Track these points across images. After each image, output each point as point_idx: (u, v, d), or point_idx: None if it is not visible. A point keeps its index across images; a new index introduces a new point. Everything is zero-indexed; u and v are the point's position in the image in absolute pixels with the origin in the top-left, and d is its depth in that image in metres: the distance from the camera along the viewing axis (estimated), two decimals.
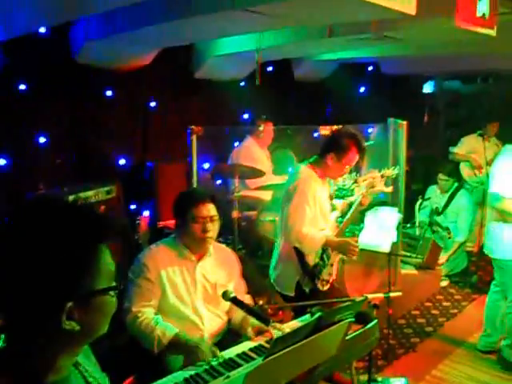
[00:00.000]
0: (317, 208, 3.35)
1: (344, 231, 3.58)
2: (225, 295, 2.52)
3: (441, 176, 5.96)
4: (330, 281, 3.48)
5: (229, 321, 2.94)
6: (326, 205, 3.45)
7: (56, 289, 1.08)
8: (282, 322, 2.95)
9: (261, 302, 4.48)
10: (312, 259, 3.37)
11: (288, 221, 3.32)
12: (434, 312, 5.10)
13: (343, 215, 3.68)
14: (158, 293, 2.69)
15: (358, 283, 4.69)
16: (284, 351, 1.91)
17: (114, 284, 1.19)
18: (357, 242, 3.35)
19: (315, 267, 3.37)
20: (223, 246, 3.02)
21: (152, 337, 2.56)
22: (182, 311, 2.73)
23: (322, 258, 3.40)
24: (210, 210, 2.75)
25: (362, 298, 2.55)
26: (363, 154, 3.48)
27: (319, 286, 3.37)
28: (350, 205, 3.64)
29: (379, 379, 3.63)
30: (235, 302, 2.50)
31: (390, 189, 4.22)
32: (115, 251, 4.05)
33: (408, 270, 5.45)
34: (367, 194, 3.61)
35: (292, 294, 3.42)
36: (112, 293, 1.18)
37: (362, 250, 4.08)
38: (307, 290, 3.34)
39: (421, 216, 6.06)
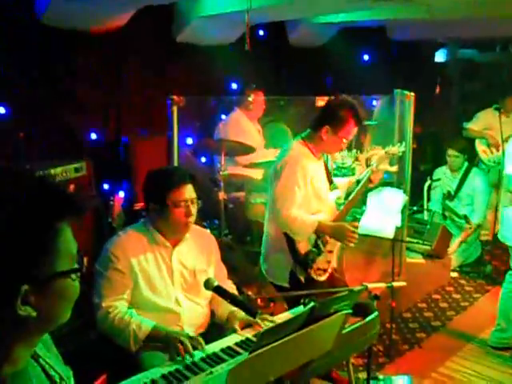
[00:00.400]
0: (308, 188, 3.33)
1: (345, 214, 3.55)
2: (207, 284, 2.52)
3: (450, 152, 5.97)
4: (329, 270, 3.48)
5: (213, 314, 2.95)
6: (321, 185, 3.43)
7: (9, 270, 1.07)
8: (272, 314, 2.96)
9: (250, 293, 4.56)
10: (304, 246, 3.36)
11: (275, 203, 3.31)
12: (442, 305, 5.15)
13: (348, 195, 3.67)
14: (130, 284, 2.69)
15: (359, 273, 4.72)
16: (271, 345, 1.92)
17: (75, 266, 1.18)
18: (356, 227, 3.33)
19: (307, 255, 3.35)
20: (198, 227, 3.00)
21: (127, 332, 2.56)
22: (157, 303, 2.73)
23: (316, 245, 3.38)
24: (191, 191, 2.75)
25: (360, 288, 2.57)
26: (361, 126, 3.47)
27: (314, 275, 3.36)
28: (358, 182, 3.62)
29: (380, 377, 3.67)
30: (219, 291, 2.50)
31: (394, 168, 4.22)
32: (86, 236, 4.05)
33: (414, 259, 5.48)
34: (378, 169, 3.59)
35: (286, 285, 3.42)
36: (74, 276, 1.17)
37: (363, 235, 4.10)
38: (302, 279, 3.34)
39: (430, 199, 6.10)
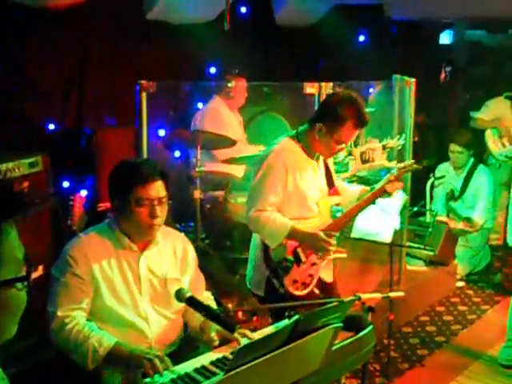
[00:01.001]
0: (289, 189, 3.30)
1: (342, 225, 3.50)
2: (179, 295, 2.50)
3: (453, 147, 6.01)
4: (312, 284, 3.43)
5: (185, 326, 2.93)
6: (309, 187, 3.39)
7: None
8: (256, 329, 2.95)
9: (230, 306, 4.56)
10: (278, 253, 3.33)
11: (247, 200, 3.33)
12: (446, 318, 5.19)
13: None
14: (90, 293, 2.66)
15: (353, 282, 4.72)
16: (249, 364, 1.91)
17: (21, 274, 1.16)
18: (332, 236, 3.30)
19: (280, 263, 3.32)
20: (171, 229, 2.98)
21: (85, 348, 2.53)
22: (121, 315, 2.70)
23: (295, 253, 3.35)
24: (159, 189, 2.70)
25: (352, 298, 2.57)
26: (362, 130, 3.42)
27: (290, 288, 3.32)
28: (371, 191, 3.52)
29: None
30: (192, 303, 2.49)
31: (393, 163, 4.24)
32: (42, 241, 4.01)
33: (416, 266, 5.53)
34: (399, 177, 3.50)
35: (261, 294, 3.42)
36: (20, 285, 1.15)
37: (357, 239, 4.12)
38: (280, 289, 3.33)
39: (434, 199, 6.13)
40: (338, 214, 3.51)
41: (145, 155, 4.07)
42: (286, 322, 2.63)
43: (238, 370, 1.90)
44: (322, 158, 3.49)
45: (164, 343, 2.80)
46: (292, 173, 3.29)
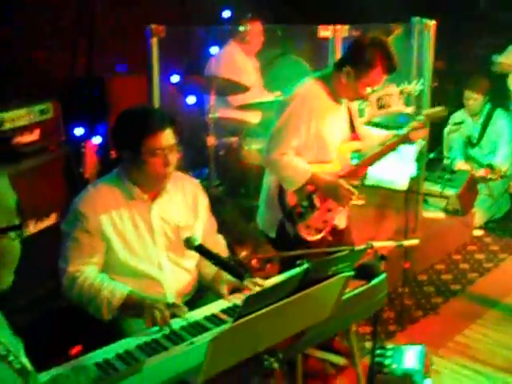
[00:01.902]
0: (311, 134, 3.28)
1: (360, 172, 3.48)
2: (188, 243, 2.49)
3: (468, 93, 5.89)
4: (326, 230, 3.44)
5: (199, 275, 2.94)
6: (331, 133, 3.36)
7: None
8: (269, 277, 2.94)
9: (244, 254, 4.56)
10: (293, 197, 3.33)
11: (269, 142, 3.31)
12: (463, 266, 5.16)
13: None
14: (101, 247, 2.66)
15: (368, 230, 4.70)
16: (258, 313, 1.90)
17: (14, 223, 1.14)
18: (355, 186, 3.29)
19: (295, 208, 3.33)
20: (181, 174, 2.95)
21: (99, 300, 2.55)
22: (135, 267, 2.70)
23: (309, 199, 3.35)
24: (170, 137, 2.66)
25: (363, 247, 2.54)
26: (391, 74, 3.33)
27: (303, 233, 3.34)
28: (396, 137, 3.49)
29: (389, 347, 3.69)
30: (201, 250, 2.47)
31: (410, 109, 4.15)
32: (55, 189, 4.01)
33: (432, 214, 5.47)
34: (425, 125, 3.45)
35: (273, 236, 3.44)
36: (13, 235, 1.13)
37: (373, 187, 4.07)
38: (291, 233, 3.33)
39: (451, 146, 6.03)
40: (357, 160, 3.50)
41: (156, 102, 4.01)
42: (295, 270, 2.61)
43: (246, 318, 1.89)
44: (345, 102, 3.44)
45: (179, 292, 2.81)
46: (316, 117, 3.26)
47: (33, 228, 3.64)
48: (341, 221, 3.56)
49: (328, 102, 3.33)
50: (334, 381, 3.53)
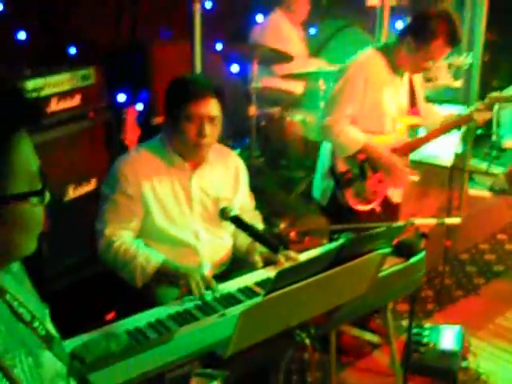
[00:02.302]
0: (367, 103, 3.27)
1: (413, 147, 3.46)
2: (223, 213, 2.47)
3: None
4: (375, 201, 3.42)
5: (234, 246, 2.92)
6: (390, 106, 3.34)
7: None
8: (307, 250, 2.91)
9: (282, 226, 4.53)
10: (343, 163, 3.34)
11: (324, 109, 3.34)
12: (508, 247, 5.02)
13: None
14: (140, 212, 2.65)
15: (411, 206, 4.62)
16: (289, 288, 1.87)
17: (36, 188, 1.11)
18: (413, 174, 3.32)
19: (343, 174, 3.33)
20: (222, 146, 2.92)
21: (133, 266, 2.55)
22: (172, 235, 2.69)
23: (361, 167, 3.35)
24: (211, 107, 2.60)
25: (403, 224, 2.47)
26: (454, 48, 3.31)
27: (351, 202, 3.34)
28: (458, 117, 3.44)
29: (426, 326, 3.63)
30: (236, 221, 2.45)
31: (458, 83, 4.03)
32: (95, 155, 4.02)
33: (478, 192, 5.35)
34: (489, 107, 3.36)
35: (324, 204, 3.47)
36: (34, 200, 1.10)
37: (416, 162, 3.99)
38: (342, 201, 3.36)
39: (501, 123, 5.85)
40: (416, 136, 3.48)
41: (198, 70, 3.98)
42: (331, 245, 2.57)
43: (276, 293, 1.86)
44: (407, 75, 3.40)
45: (214, 262, 2.80)
46: (372, 86, 3.24)
47: (72, 193, 3.68)
48: (396, 194, 3.54)
49: (386, 72, 3.31)
50: (368, 358, 3.50)
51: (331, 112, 3.27)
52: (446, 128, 3.40)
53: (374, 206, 3.42)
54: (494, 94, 3.38)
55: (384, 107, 3.32)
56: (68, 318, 3.05)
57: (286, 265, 2.52)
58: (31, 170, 1.13)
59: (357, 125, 3.28)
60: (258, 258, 2.69)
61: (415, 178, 3.44)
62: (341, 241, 2.06)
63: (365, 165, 3.35)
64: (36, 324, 1.26)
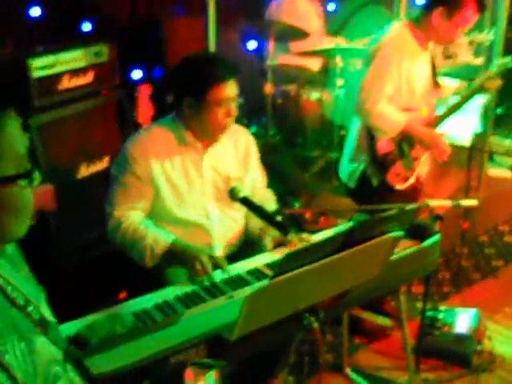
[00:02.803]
0: (402, 81, 3.27)
1: (440, 121, 3.45)
2: (232, 194, 2.43)
3: None
4: (412, 179, 3.47)
5: (246, 228, 2.89)
6: (419, 80, 3.35)
7: None
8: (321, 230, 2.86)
9: (297, 205, 4.49)
10: (385, 145, 3.36)
11: (360, 92, 3.28)
12: None
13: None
14: (148, 193, 2.62)
15: (428, 187, 4.54)
16: (297, 271, 1.83)
17: (24, 171, 1.08)
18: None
19: (387, 155, 3.35)
20: (235, 124, 2.87)
21: (142, 246, 2.52)
22: (183, 215, 2.66)
23: (399, 146, 3.36)
24: (234, 88, 2.58)
25: (416, 205, 2.42)
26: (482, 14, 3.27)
27: (393, 181, 3.37)
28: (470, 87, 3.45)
29: (442, 308, 3.60)
30: (245, 202, 2.41)
31: (479, 60, 3.94)
32: (108, 133, 4.00)
33: (499, 172, 5.26)
34: (499, 74, 3.36)
35: (352, 186, 3.47)
36: (22, 183, 1.07)
37: None
38: (375, 182, 3.36)
39: None
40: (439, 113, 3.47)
41: (212, 46, 3.92)
42: (340, 228, 2.53)
43: (283, 276, 1.82)
44: (429, 49, 3.40)
45: (226, 243, 2.77)
46: (406, 64, 3.25)
47: (85, 171, 3.67)
48: (423, 170, 3.57)
49: (416, 48, 3.31)
50: (382, 340, 3.47)
51: (370, 95, 3.23)
52: (463, 100, 3.39)
53: (412, 182, 3.48)
54: (502, 61, 3.40)
55: (417, 82, 3.34)
56: (80, 297, 3.09)
57: (294, 248, 2.47)
58: (19, 151, 1.09)
59: (392, 103, 3.28)
60: (269, 240, 2.66)
61: None
62: (350, 223, 2.00)
63: (403, 143, 3.39)
64: (30, 308, 1.23)
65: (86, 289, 3.18)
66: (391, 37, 3.27)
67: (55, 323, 1.32)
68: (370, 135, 3.35)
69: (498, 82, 3.36)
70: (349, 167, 3.50)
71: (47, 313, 1.31)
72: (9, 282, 1.23)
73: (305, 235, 2.59)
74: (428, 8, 3.25)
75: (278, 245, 2.65)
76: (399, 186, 3.41)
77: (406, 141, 3.38)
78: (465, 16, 3.18)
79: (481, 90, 3.37)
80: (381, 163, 3.37)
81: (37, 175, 1.10)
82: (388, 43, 3.25)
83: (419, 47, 3.31)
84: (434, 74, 3.48)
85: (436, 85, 3.49)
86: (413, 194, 3.46)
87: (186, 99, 2.61)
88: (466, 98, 3.39)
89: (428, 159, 3.58)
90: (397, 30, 3.30)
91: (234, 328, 1.85)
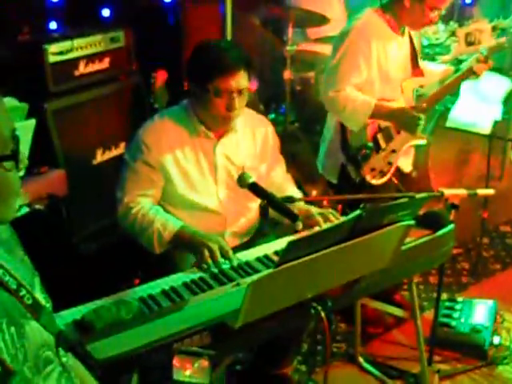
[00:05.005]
0: (372, 70, 3.13)
1: (425, 109, 3.26)
2: (241, 180, 2.40)
3: None
4: (390, 173, 3.32)
5: (262, 217, 2.86)
6: (393, 67, 3.21)
7: None
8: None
9: (314, 193, 4.45)
10: (357, 138, 3.19)
11: (326, 79, 3.18)
12: None
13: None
14: (159, 181, 2.61)
15: (448, 175, 4.48)
16: (301, 260, 1.81)
17: (8, 153, 1.07)
18: (423, 109, 3.13)
19: (359, 150, 3.19)
20: (252, 112, 2.83)
21: (150, 231, 2.52)
22: (195, 201, 2.65)
23: (374, 140, 3.19)
24: (241, 80, 2.52)
25: (428, 194, 2.37)
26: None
27: (368, 176, 3.22)
28: (457, 72, 3.31)
29: (459, 299, 3.55)
30: (254, 189, 2.37)
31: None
32: (124, 118, 3.99)
33: None
34: (489, 57, 3.25)
35: (334, 181, 3.37)
36: (7, 165, 1.06)
37: (452, 129, 3.85)
38: (354, 177, 3.20)
39: None
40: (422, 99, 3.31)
41: (228, 33, 3.88)
42: (348, 216, 2.49)
43: (287, 264, 1.80)
44: (407, 34, 3.24)
45: (238, 232, 2.76)
46: (376, 49, 3.10)
47: (100, 157, 3.68)
48: (406, 164, 3.42)
49: (389, 33, 3.17)
50: (396, 330, 3.43)
51: (335, 83, 3.10)
52: (451, 86, 3.27)
53: (390, 177, 3.33)
54: (492, 44, 3.30)
55: (391, 71, 3.20)
56: (95, 282, 3.10)
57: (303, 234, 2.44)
58: (3, 133, 1.08)
59: (364, 93, 3.14)
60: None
61: (423, 141, 3.35)
62: (358, 212, 1.97)
63: (377, 136, 3.25)
64: (23, 293, 1.23)
65: (99, 275, 3.19)
66: (360, 23, 3.13)
67: (49, 308, 1.32)
68: (342, 129, 3.22)
69: (486, 66, 3.23)
70: (328, 162, 3.41)
71: (41, 297, 1.31)
72: (1, 265, 1.23)
73: (332, 216, 2.57)
74: None
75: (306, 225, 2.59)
76: (374, 182, 3.26)
77: (381, 133, 3.26)
78: None
79: (470, 73, 3.22)
80: (354, 159, 3.23)
81: (24, 158, 1.09)
82: (355, 31, 3.10)
83: (393, 32, 3.17)
84: (415, 59, 3.33)
85: (416, 70, 3.32)
86: (405, 187, 3.37)
87: (192, 86, 2.60)
88: (455, 83, 3.27)
89: (411, 150, 3.45)
90: (365, 16, 3.16)
91: (238, 315, 1.84)
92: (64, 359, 1.29)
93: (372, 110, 3.09)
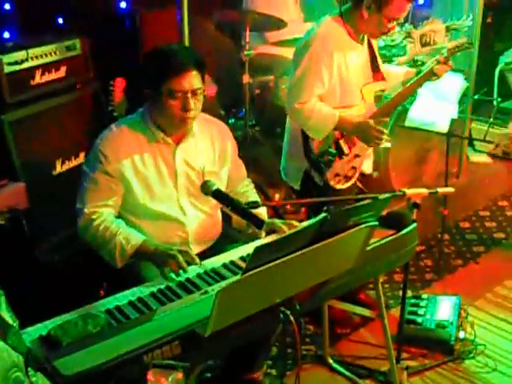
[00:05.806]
0: (334, 78, 3.14)
1: (387, 112, 3.32)
2: (205, 187, 2.40)
3: None
4: (354, 178, 3.36)
5: (224, 221, 2.86)
6: (353, 74, 3.22)
7: None
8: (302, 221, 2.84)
9: (277, 197, 4.47)
10: (319, 145, 3.21)
11: (290, 91, 3.19)
12: (509, 213, 4.96)
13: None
14: (119, 190, 2.59)
15: (408, 174, 4.54)
16: (268, 265, 1.81)
17: None
18: (382, 122, 3.15)
19: (322, 156, 3.20)
20: (209, 117, 2.83)
21: (112, 245, 2.50)
22: (156, 210, 2.63)
23: (337, 145, 3.23)
24: (194, 81, 2.51)
25: (391, 194, 2.40)
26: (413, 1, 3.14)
27: (332, 182, 3.24)
28: (418, 74, 3.33)
29: (424, 296, 3.60)
30: (218, 196, 2.38)
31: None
32: (83, 127, 3.92)
33: (479, 158, 5.27)
34: (449, 58, 3.27)
35: (297, 187, 3.38)
36: None
37: (411, 128, 3.91)
38: (319, 182, 3.21)
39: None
40: (383, 104, 3.33)
41: (186, 38, 3.87)
42: (313, 219, 2.51)
43: (254, 270, 1.80)
44: (366, 41, 3.26)
45: (202, 238, 2.75)
46: (337, 59, 3.11)
47: (60, 168, 3.62)
48: (366, 165, 3.46)
49: (349, 42, 3.17)
50: (363, 329, 3.47)
51: (299, 95, 3.11)
52: (412, 88, 3.29)
53: (354, 181, 3.38)
54: (452, 44, 3.31)
55: (352, 78, 3.20)
56: (60, 294, 3.05)
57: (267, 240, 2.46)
58: None
59: (325, 101, 3.16)
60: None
61: (388, 144, 3.38)
62: (322, 215, 1.98)
63: (340, 142, 3.25)
64: None
65: (64, 287, 3.15)
66: (320, 32, 3.12)
67: (17, 327, 1.30)
68: (304, 135, 3.21)
69: (447, 67, 3.26)
70: (290, 168, 3.42)
71: (7, 316, 1.28)
72: None
73: (295, 222, 2.58)
74: (356, 2, 3.10)
75: (270, 232, 2.60)
76: (339, 186, 3.28)
77: (343, 139, 3.26)
78: (396, 7, 3.01)
79: (431, 75, 3.25)
80: (317, 165, 3.23)
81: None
82: (316, 41, 3.09)
83: (352, 41, 3.18)
84: (375, 64, 3.34)
85: (377, 74, 3.33)
86: (368, 189, 3.42)
87: (146, 91, 2.59)
88: (416, 85, 3.28)
89: (371, 155, 3.50)
90: (327, 25, 3.15)
91: (207, 324, 1.83)
92: (34, 379, 1.27)
93: (335, 124, 3.13)
